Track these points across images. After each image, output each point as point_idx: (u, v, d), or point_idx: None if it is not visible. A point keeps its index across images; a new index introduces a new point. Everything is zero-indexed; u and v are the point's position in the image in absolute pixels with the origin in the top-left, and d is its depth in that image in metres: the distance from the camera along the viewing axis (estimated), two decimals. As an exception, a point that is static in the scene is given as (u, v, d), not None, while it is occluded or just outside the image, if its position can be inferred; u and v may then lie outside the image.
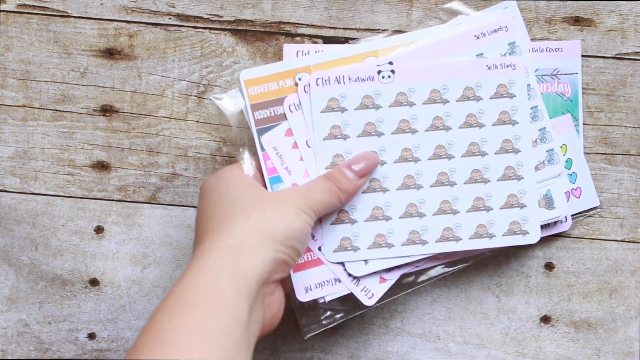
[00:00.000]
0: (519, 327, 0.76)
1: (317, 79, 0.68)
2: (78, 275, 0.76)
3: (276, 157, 0.68)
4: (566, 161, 0.74)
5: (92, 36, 0.75)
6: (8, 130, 0.76)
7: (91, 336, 0.76)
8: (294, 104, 0.68)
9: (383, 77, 0.68)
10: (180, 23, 0.75)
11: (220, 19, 0.75)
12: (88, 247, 0.76)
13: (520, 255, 0.76)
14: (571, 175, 0.74)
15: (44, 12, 0.75)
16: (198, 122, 0.75)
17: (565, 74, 0.73)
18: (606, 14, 0.75)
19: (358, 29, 0.75)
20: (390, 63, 0.68)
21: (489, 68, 0.69)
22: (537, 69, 0.73)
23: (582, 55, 0.75)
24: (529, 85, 0.70)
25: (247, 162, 0.68)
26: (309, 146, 0.68)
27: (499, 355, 0.76)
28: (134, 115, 0.75)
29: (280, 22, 0.75)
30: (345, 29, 0.75)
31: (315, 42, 0.75)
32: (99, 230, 0.76)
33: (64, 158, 0.76)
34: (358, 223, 0.68)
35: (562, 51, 0.73)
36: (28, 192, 0.76)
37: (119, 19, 0.75)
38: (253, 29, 0.75)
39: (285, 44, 0.72)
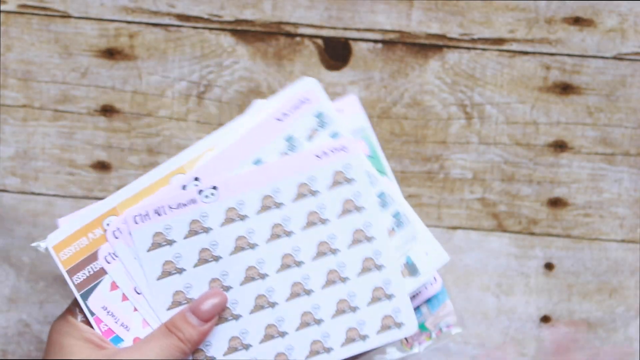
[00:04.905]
0: (519, 327, 0.76)
1: (134, 217, 0.60)
2: (78, 275, 0.77)
3: (108, 317, 0.61)
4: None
5: (93, 36, 0.75)
6: (9, 130, 0.76)
7: (91, 336, 0.76)
8: (109, 253, 0.61)
9: (207, 197, 0.61)
10: (180, 23, 0.75)
11: (220, 19, 0.75)
12: (88, 247, 0.76)
13: (520, 255, 0.76)
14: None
15: (44, 13, 0.75)
16: (198, 122, 0.75)
17: (357, 132, 0.65)
18: (606, 14, 0.75)
19: (358, 29, 0.75)
20: (197, 179, 0.61)
21: (319, 157, 0.62)
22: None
23: (582, 55, 0.75)
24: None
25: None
26: (138, 293, 0.61)
27: (499, 355, 0.76)
28: (134, 115, 0.76)
29: (280, 22, 0.75)
30: (345, 29, 0.75)
31: (316, 42, 0.75)
32: (99, 230, 0.76)
33: (65, 158, 0.76)
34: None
35: (343, 111, 0.65)
36: (29, 192, 0.76)
37: (120, 19, 0.75)
38: (253, 29, 0.75)
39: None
